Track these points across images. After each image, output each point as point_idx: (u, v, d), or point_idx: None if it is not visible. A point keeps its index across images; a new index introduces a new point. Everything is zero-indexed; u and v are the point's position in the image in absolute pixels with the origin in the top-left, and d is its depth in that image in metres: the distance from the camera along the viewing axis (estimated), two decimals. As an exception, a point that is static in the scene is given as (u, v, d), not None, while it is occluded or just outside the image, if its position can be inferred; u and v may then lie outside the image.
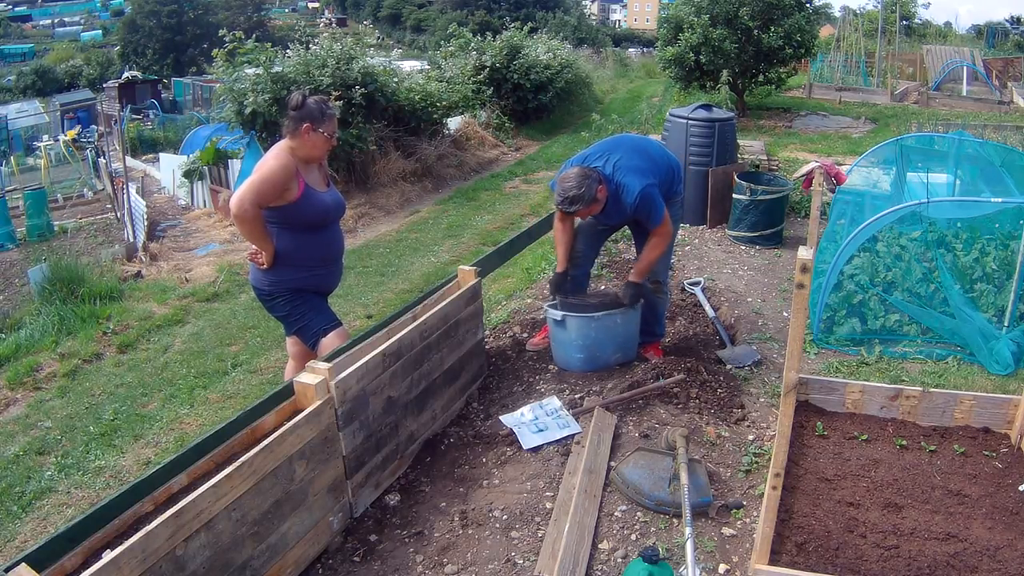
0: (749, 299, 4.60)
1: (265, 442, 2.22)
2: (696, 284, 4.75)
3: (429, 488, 2.91)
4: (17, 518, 3.41)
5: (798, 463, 2.79)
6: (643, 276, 3.56)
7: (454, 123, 11.73)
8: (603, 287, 4.78)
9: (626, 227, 4.08)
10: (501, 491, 2.82)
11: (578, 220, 3.69)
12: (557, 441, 3.06)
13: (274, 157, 2.93)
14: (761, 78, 12.70)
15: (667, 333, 4.18)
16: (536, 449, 3.04)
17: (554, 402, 3.32)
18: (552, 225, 3.87)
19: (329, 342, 3.08)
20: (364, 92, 8.71)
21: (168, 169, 12.09)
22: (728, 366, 3.71)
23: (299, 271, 3.08)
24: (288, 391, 2.55)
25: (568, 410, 3.24)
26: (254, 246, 3.03)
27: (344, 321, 3.46)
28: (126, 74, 31.76)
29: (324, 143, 3.00)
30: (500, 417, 3.29)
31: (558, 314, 3.55)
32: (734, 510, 2.65)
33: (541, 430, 3.13)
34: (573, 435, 3.08)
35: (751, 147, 7.84)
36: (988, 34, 30.14)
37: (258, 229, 2.93)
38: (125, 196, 9.49)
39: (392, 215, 8.75)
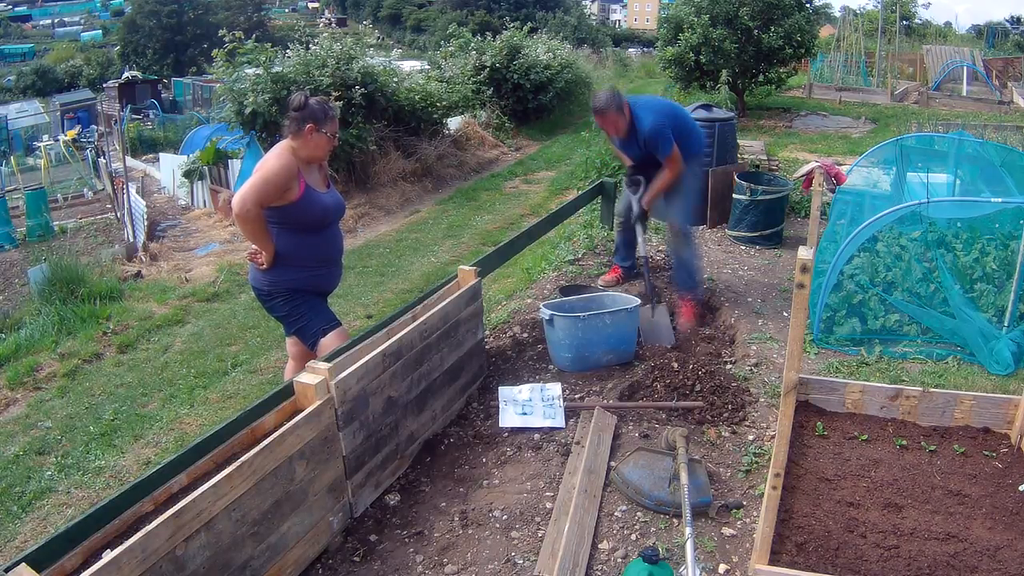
0: (749, 299, 4.60)
1: (265, 442, 2.22)
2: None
3: (429, 488, 2.91)
4: (17, 518, 3.41)
5: (798, 463, 2.79)
6: (650, 203, 4.25)
7: (454, 123, 11.73)
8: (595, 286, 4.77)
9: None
10: (501, 491, 2.82)
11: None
12: (535, 430, 3.15)
13: (276, 157, 2.93)
14: (761, 78, 12.69)
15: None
16: (516, 431, 3.16)
17: (556, 390, 3.34)
18: (551, 225, 4.59)
19: (328, 342, 3.08)
20: (364, 92, 8.71)
21: (168, 169, 12.10)
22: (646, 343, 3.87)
23: (299, 271, 3.08)
24: (288, 391, 2.55)
25: (563, 403, 3.28)
26: (254, 246, 3.03)
27: (344, 321, 3.46)
28: (126, 74, 31.76)
29: (327, 143, 3.00)
30: (500, 387, 3.41)
31: (547, 313, 3.58)
32: (734, 510, 2.65)
33: (525, 414, 3.19)
34: (553, 428, 3.14)
35: (751, 147, 7.84)
36: (988, 34, 30.14)
37: (259, 229, 2.94)
38: (125, 196, 9.50)
39: (392, 215, 8.75)
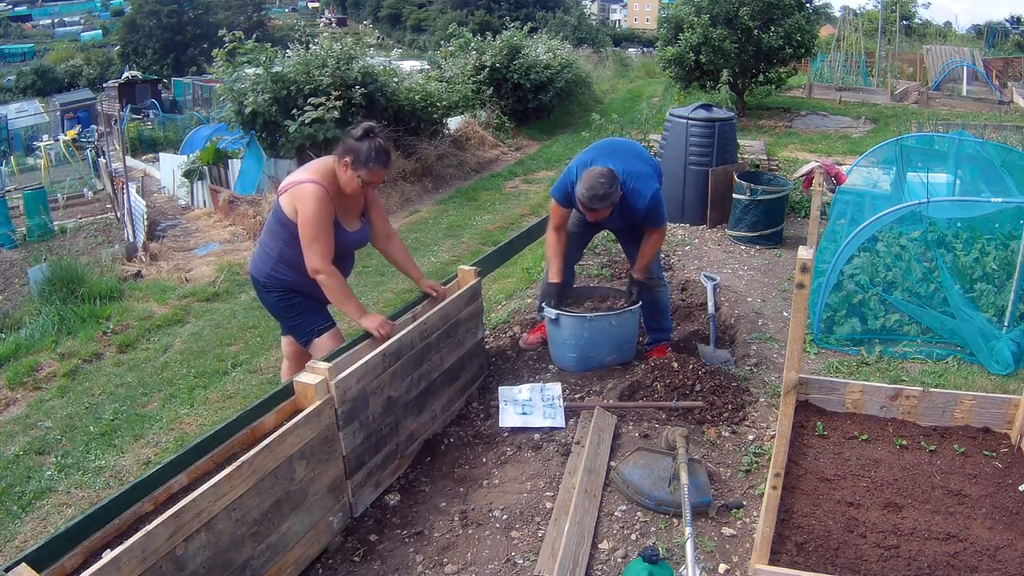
0: (749, 299, 4.60)
1: (265, 442, 2.21)
2: (712, 279, 4.56)
3: (429, 488, 2.91)
4: (17, 518, 3.41)
5: (798, 463, 2.79)
6: (646, 272, 3.66)
7: (454, 123, 11.72)
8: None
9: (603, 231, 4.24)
10: (501, 491, 2.82)
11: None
12: (535, 429, 3.16)
13: (312, 199, 2.83)
14: (761, 78, 12.69)
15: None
16: (516, 431, 3.16)
17: (556, 389, 3.35)
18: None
19: (323, 343, 3.06)
20: (364, 92, 8.72)
21: (168, 169, 12.09)
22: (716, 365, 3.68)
23: (301, 276, 3.04)
24: (288, 391, 2.55)
25: (563, 403, 3.28)
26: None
27: (344, 321, 3.45)
28: (126, 74, 31.72)
29: (356, 185, 2.91)
30: (500, 387, 3.41)
31: (553, 313, 3.58)
32: (734, 510, 2.65)
33: (525, 414, 3.19)
34: (553, 428, 3.15)
35: (751, 147, 7.84)
36: (988, 34, 30.14)
37: (342, 286, 2.90)
38: (125, 196, 9.50)
39: (392, 215, 8.74)
